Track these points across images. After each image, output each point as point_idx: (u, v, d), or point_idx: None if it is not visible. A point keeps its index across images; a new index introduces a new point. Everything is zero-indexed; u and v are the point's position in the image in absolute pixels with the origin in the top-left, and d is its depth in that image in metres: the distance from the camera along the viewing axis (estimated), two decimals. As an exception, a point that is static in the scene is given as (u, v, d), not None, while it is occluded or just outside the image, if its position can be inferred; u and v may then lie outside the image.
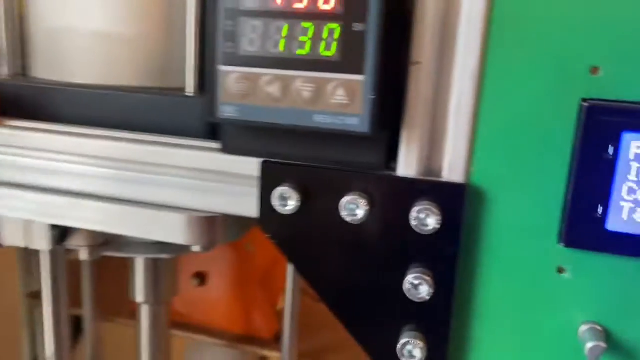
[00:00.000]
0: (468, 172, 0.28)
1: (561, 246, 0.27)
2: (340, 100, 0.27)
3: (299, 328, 0.58)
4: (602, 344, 0.27)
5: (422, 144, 0.28)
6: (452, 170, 0.28)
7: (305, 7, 0.27)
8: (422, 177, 0.28)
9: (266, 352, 0.60)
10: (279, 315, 0.62)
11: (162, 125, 0.34)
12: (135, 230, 0.33)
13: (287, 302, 0.59)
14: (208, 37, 0.28)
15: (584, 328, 0.28)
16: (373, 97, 0.26)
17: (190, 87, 0.34)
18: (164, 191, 0.32)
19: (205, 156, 0.31)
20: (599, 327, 0.28)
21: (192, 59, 0.33)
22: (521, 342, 0.29)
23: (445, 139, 0.28)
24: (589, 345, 0.27)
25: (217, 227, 0.32)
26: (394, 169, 0.29)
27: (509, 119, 0.27)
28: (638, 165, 0.26)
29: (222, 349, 0.64)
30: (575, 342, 0.28)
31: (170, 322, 0.51)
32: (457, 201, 0.28)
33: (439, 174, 0.29)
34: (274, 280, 0.63)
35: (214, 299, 0.62)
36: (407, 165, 0.29)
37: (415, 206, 0.28)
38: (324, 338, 0.60)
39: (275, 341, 0.60)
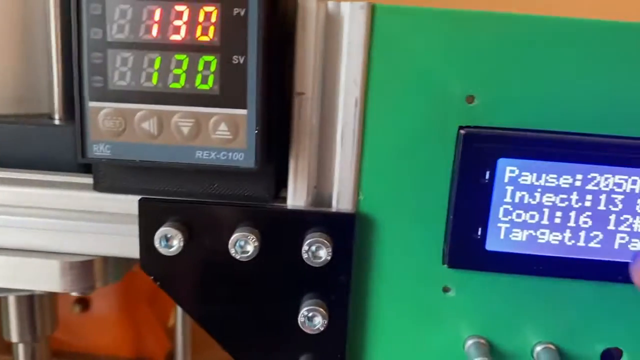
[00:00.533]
0: (356, 201, 0.28)
1: (445, 267, 0.29)
2: (223, 135, 0.26)
3: (192, 344, 0.57)
4: (487, 358, 0.28)
5: (310, 174, 0.28)
6: (340, 199, 0.28)
7: (182, 38, 0.25)
8: (311, 208, 0.28)
9: (159, 375, 0.58)
10: (171, 332, 0.60)
11: (27, 158, 0.31)
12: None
13: (177, 319, 0.57)
14: (73, 69, 0.25)
15: (469, 342, 0.29)
16: (257, 131, 0.26)
17: (59, 114, 0.31)
18: (33, 234, 0.29)
19: (77, 195, 0.29)
20: (482, 341, 0.29)
21: (58, 89, 0.30)
22: (414, 357, 0.30)
23: (332, 169, 0.28)
24: (476, 360, 0.28)
25: (95, 271, 0.30)
26: (284, 201, 0.28)
27: (393, 148, 0.28)
28: (512, 188, 0.27)
29: (111, 374, 0.60)
30: (462, 356, 0.29)
31: (53, 352, 0.47)
32: (347, 230, 0.28)
33: (329, 204, 0.28)
34: (162, 298, 0.60)
35: (99, 323, 0.58)
36: (296, 197, 0.28)
37: (306, 238, 0.27)
38: (218, 353, 0.59)
39: (168, 361, 0.58)
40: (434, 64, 0.26)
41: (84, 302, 0.57)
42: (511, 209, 0.27)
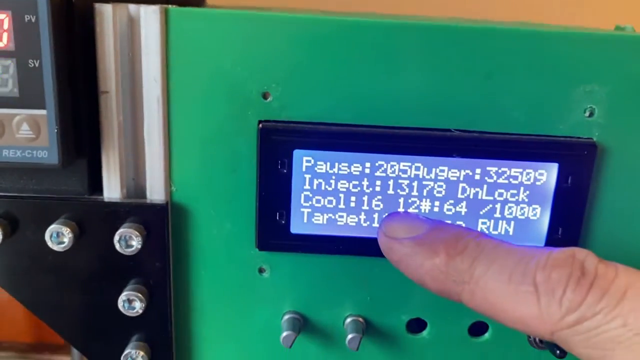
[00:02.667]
0: (169, 192, 0.30)
1: (257, 250, 0.31)
2: (26, 134, 0.27)
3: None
4: (294, 333, 0.31)
5: (124, 168, 0.30)
6: (153, 191, 0.30)
7: (-21, 44, 0.26)
8: (124, 200, 0.30)
9: (58, 357, 0.59)
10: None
11: None
12: None
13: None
14: None
15: (285, 318, 0.32)
16: (57, 129, 0.27)
17: None
18: None
19: None
20: (297, 316, 0.32)
21: None
22: (238, 335, 0.33)
23: (144, 163, 0.30)
24: (283, 334, 0.31)
25: None
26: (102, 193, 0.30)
27: (199, 142, 0.29)
28: (310, 176, 0.29)
29: (16, 360, 0.61)
30: (280, 330, 0.32)
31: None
32: (159, 220, 0.30)
33: (144, 195, 0.30)
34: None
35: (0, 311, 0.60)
36: (111, 190, 0.30)
37: (119, 229, 0.29)
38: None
39: (67, 345, 0.59)
40: (230, 63, 0.28)
41: (-18, 291, 0.58)
42: (311, 195, 0.30)
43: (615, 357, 0.20)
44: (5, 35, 0.26)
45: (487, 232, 0.30)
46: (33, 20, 0.26)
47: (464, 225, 0.30)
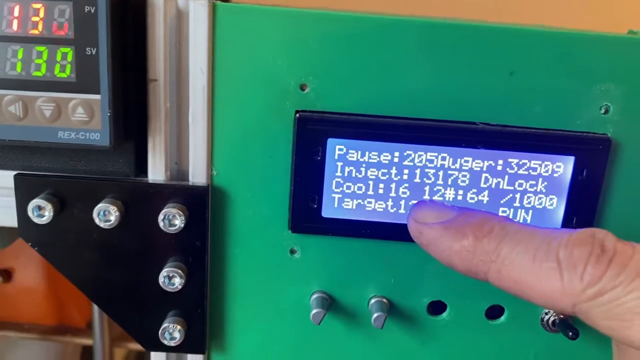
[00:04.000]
0: (210, 175, 0.32)
1: (290, 232, 0.33)
2: (81, 117, 0.29)
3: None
4: (323, 310, 0.33)
5: (168, 152, 0.32)
6: (195, 174, 0.32)
7: (40, 32, 0.28)
8: (168, 182, 0.32)
9: (80, 340, 0.61)
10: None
11: None
12: None
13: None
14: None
15: (314, 297, 0.34)
16: (110, 113, 0.29)
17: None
18: None
19: (-43, 170, 0.32)
20: (325, 296, 0.34)
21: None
22: (267, 313, 0.35)
23: (188, 147, 0.32)
24: (313, 311, 0.33)
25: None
26: (146, 175, 0.32)
27: (240, 129, 0.31)
28: (341, 164, 0.31)
29: (37, 343, 0.63)
30: (309, 309, 0.34)
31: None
32: (200, 202, 0.32)
33: (186, 178, 0.32)
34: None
35: (23, 293, 0.62)
36: (155, 172, 0.32)
37: (164, 209, 0.31)
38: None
39: (88, 328, 0.61)
40: (271, 56, 0.30)
41: (6, 273, 0.60)
42: (342, 181, 0.32)
43: (634, 327, 0.22)
44: (66, 25, 0.28)
45: (506, 219, 0.32)
46: (92, 11, 0.28)
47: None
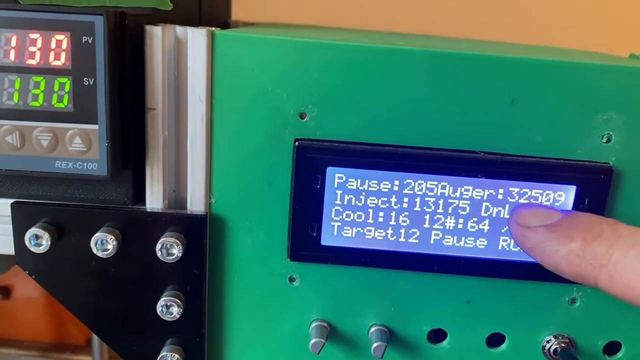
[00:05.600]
0: (208, 204, 0.32)
1: (289, 260, 0.33)
2: (78, 147, 0.29)
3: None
4: (322, 340, 0.32)
5: (166, 180, 0.31)
6: (193, 202, 0.32)
7: (37, 62, 0.28)
8: (166, 211, 0.32)
9: (79, 357, 0.61)
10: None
11: None
12: None
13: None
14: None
15: (313, 325, 0.33)
16: (107, 143, 0.29)
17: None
18: None
19: (-46, 199, 0.32)
20: (325, 324, 0.34)
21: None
22: (267, 341, 0.34)
23: (186, 176, 0.32)
24: (312, 341, 0.32)
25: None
26: (144, 204, 0.32)
27: (239, 157, 0.31)
28: (341, 192, 0.31)
29: None
30: (308, 337, 0.33)
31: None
32: (198, 230, 0.31)
33: (184, 207, 0.32)
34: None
35: (22, 310, 0.61)
36: (153, 200, 0.32)
37: (161, 237, 0.31)
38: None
39: (88, 346, 0.61)
40: (270, 84, 0.30)
41: (5, 290, 0.60)
42: (341, 209, 0.31)
43: None
44: (63, 55, 0.28)
45: (507, 249, 0.32)
46: (90, 41, 0.28)
47: (486, 242, 0.32)
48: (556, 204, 0.31)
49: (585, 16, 0.74)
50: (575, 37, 0.71)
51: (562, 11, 0.75)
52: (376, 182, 0.31)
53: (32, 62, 0.28)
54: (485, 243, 0.32)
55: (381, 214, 0.31)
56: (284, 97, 0.30)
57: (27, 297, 0.60)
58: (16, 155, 0.29)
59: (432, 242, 0.32)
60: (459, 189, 0.31)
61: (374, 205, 0.31)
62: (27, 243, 0.31)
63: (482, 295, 0.33)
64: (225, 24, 0.53)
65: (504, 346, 0.34)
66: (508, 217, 0.31)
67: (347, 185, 0.31)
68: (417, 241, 0.32)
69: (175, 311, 0.32)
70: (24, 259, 0.32)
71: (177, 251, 0.31)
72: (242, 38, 0.30)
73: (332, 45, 0.30)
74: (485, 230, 0.32)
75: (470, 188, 0.31)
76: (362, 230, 0.32)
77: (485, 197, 0.31)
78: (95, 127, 0.29)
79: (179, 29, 0.30)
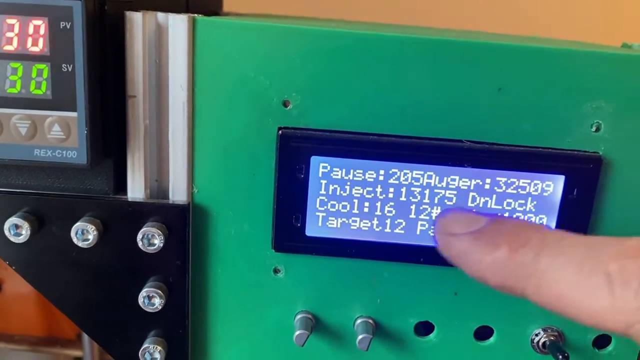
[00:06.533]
0: (191, 193, 0.31)
1: (273, 251, 0.32)
2: (57, 135, 0.29)
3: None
4: (307, 332, 0.32)
5: (148, 169, 0.31)
6: (175, 192, 0.31)
7: (15, 48, 0.28)
8: (147, 200, 0.31)
9: (70, 351, 0.61)
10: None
11: None
12: None
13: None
14: None
15: (298, 317, 0.33)
16: (87, 131, 0.28)
17: None
18: None
19: None
20: (309, 316, 0.33)
21: None
22: (251, 333, 0.34)
23: (168, 164, 0.31)
24: (296, 333, 0.32)
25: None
26: (126, 193, 0.31)
27: (222, 146, 0.31)
28: (326, 182, 0.31)
29: (27, 354, 0.63)
30: (293, 329, 0.33)
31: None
32: (180, 220, 0.31)
33: (167, 196, 0.32)
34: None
35: (13, 304, 0.61)
36: (134, 190, 0.31)
37: (143, 227, 0.30)
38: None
39: (79, 340, 0.61)
40: (253, 72, 0.30)
41: (-5, 285, 0.60)
42: (326, 200, 0.31)
43: None
44: (41, 41, 0.27)
45: (495, 239, 0.31)
46: (68, 26, 0.27)
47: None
48: (544, 194, 0.31)
49: (581, 10, 0.74)
50: (570, 31, 0.70)
51: (558, 6, 0.74)
52: (361, 171, 0.30)
53: (9, 48, 0.28)
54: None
55: (366, 204, 0.31)
56: (267, 84, 0.30)
57: (17, 291, 0.60)
58: (-6, 144, 0.29)
59: (418, 232, 0.31)
60: (445, 178, 0.30)
61: (359, 195, 0.31)
62: (6, 233, 0.30)
63: (469, 288, 0.33)
64: (214, 15, 0.52)
65: (492, 339, 0.34)
66: (495, 207, 0.31)
67: (331, 174, 0.31)
68: (403, 232, 0.31)
69: (157, 302, 0.31)
70: (5, 250, 0.31)
71: (158, 241, 0.30)
72: (223, 24, 0.29)
73: (315, 31, 0.29)
74: (472, 221, 0.31)
75: (457, 178, 0.30)
76: (347, 221, 0.31)
77: (472, 187, 0.31)
78: (75, 114, 0.28)
79: (160, 15, 0.29)
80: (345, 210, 0.31)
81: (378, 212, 0.31)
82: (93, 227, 0.30)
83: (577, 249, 0.22)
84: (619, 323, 0.20)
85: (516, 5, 0.73)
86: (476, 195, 0.31)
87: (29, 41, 0.28)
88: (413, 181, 0.31)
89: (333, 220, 0.31)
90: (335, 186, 0.31)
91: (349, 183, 0.31)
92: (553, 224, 0.31)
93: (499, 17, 0.74)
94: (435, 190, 0.31)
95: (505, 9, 0.74)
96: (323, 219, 0.31)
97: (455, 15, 0.74)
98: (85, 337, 0.57)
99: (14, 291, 0.60)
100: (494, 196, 0.31)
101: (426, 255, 0.32)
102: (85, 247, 0.30)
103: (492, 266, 0.23)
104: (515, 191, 0.30)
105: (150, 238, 0.30)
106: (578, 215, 0.31)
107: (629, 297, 0.20)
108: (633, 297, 0.20)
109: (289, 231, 0.31)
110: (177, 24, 0.29)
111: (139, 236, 0.30)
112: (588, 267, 0.21)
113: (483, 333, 0.34)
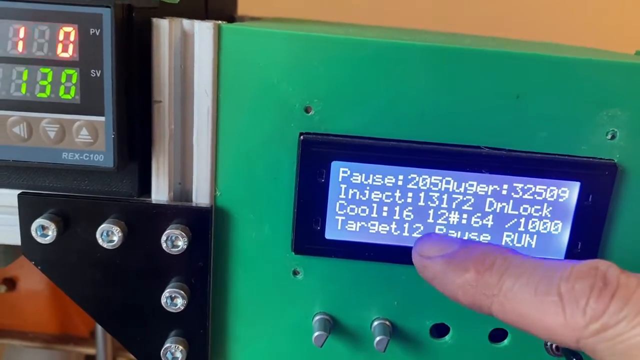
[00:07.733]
0: (213, 196, 0.32)
1: (293, 254, 0.33)
2: (85, 139, 0.29)
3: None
4: (325, 333, 0.32)
5: (172, 172, 0.32)
6: (199, 195, 0.32)
7: (45, 54, 0.28)
8: (172, 203, 0.32)
9: (83, 349, 0.61)
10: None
11: None
12: None
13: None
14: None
15: (316, 318, 0.34)
16: (114, 135, 0.29)
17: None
18: None
19: (-36, 189, 0.32)
20: (327, 317, 0.34)
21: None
22: (270, 334, 0.35)
23: (192, 168, 0.32)
24: (315, 334, 0.32)
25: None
26: (150, 196, 0.32)
27: (245, 150, 0.31)
28: (345, 186, 0.31)
29: (41, 351, 0.64)
30: (311, 330, 0.34)
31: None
32: (203, 222, 0.32)
33: (190, 199, 0.32)
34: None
35: (27, 302, 0.62)
36: (159, 192, 0.32)
37: (167, 229, 0.31)
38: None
39: (92, 337, 0.61)
40: (276, 78, 0.30)
41: (10, 282, 0.60)
42: (345, 204, 0.32)
43: None
44: (71, 47, 0.28)
45: (511, 244, 0.32)
46: (97, 33, 0.28)
47: (489, 237, 0.32)
48: (560, 200, 0.31)
49: (592, 16, 0.74)
50: (581, 37, 0.71)
51: (568, 10, 0.74)
52: (380, 176, 0.31)
53: (40, 53, 0.28)
54: (489, 238, 0.32)
55: (385, 208, 0.32)
56: (290, 91, 0.30)
57: (31, 288, 0.61)
58: (23, 147, 0.29)
59: (435, 236, 0.32)
60: (463, 184, 0.31)
61: (378, 200, 0.31)
62: (33, 234, 0.31)
63: (485, 291, 0.33)
64: (231, 19, 0.53)
65: (506, 341, 0.35)
66: (511, 213, 0.31)
67: (351, 179, 0.31)
68: (420, 236, 0.32)
69: (180, 303, 0.32)
70: (30, 250, 0.32)
71: (182, 243, 0.31)
72: (248, 32, 0.30)
73: (338, 39, 0.30)
74: (489, 226, 0.32)
75: (475, 183, 0.31)
76: (366, 225, 0.32)
77: (489, 193, 0.31)
78: (102, 118, 0.29)
79: (186, 22, 0.30)
80: (365, 214, 0.32)
81: (396, 217, 0.32)
82: (118, 228, 0.31)
83: (535, 271, 0.25)
84: (570, 338, 0.23)
85: (529, 13, 0.74)
86: (493, 201, 0.31)
87: (59, 47, 0.28)
88: (431, 186, 0.31)
89: (352, 224, 0.32)
90: (355, 190, 0.31)
91: (368, 187, 0.31)
92: (568, 230, 0.32)
93: (509, 21, 0.74)
94: (453, 196, 0.31)
95: (519, 17, 0.74)
96: (342, 223, 0.32)
97: (465, 19, 0.74)
98: (99, 335, 0.58)
99: (28, 289, 0.61)
100: (511, 201, 0.31)
101: (443, 259, 0.32)
102: (110, 248, 0.31)
103: (463, 287, 0.26)
104: (531, 197, 0.31)
105: (174, 240, 0.31)
106: (593, 221, 0.31)
107: (578, 315, 0.23)
108: (581, 315, 0.23)
109: (308, 234, 0.32)
110: (203, 31, 0.29)
111: (163, 238, 0.31)
112: (543, 288, 0.24)
113: (497, 335, 0.35)
